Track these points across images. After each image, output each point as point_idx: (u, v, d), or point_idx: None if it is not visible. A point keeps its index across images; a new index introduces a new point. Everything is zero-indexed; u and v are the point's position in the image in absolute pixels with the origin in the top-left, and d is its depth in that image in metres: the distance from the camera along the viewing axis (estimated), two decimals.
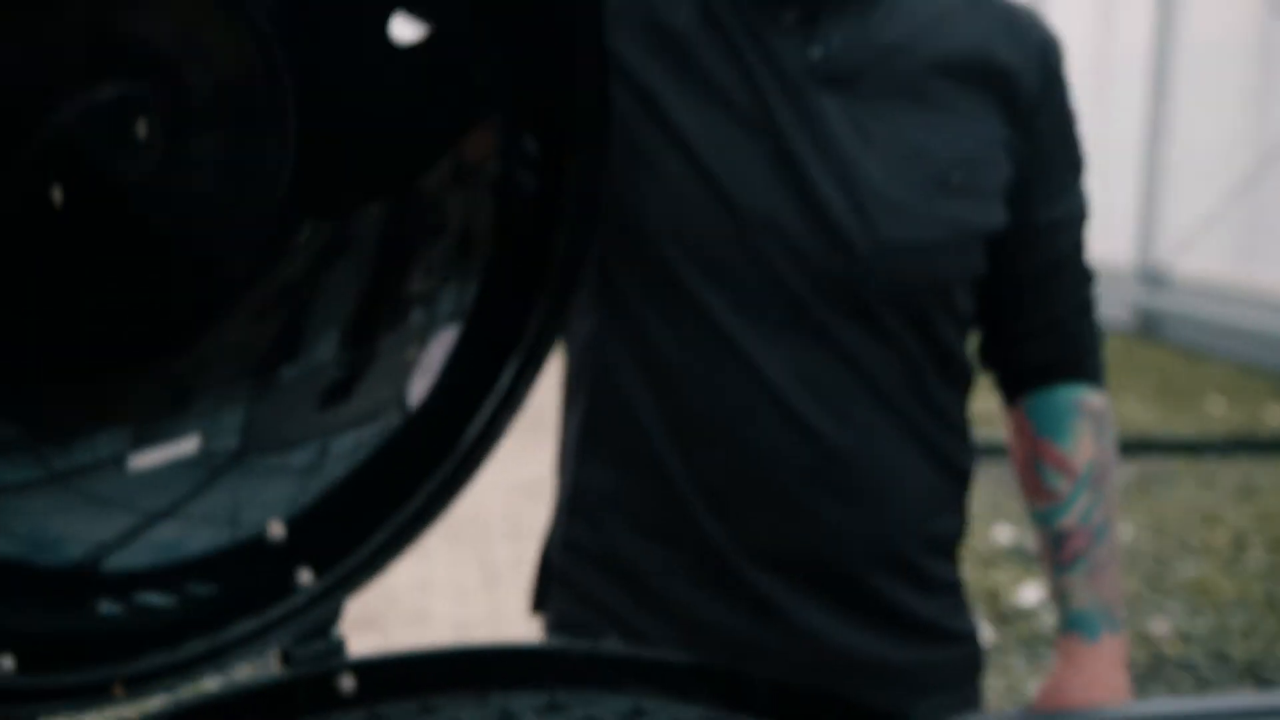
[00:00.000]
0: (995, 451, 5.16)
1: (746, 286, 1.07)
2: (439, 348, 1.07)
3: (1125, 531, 3.98)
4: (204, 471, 1.06)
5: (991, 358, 1.24)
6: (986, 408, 5.22)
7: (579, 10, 0.93)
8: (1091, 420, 1.20)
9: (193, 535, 1.05)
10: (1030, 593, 3.50)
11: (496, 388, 1.07)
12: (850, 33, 1.07)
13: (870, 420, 1.09)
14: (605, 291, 1.14)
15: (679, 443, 1.10)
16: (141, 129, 0.81)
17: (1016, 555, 3.79)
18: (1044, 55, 1.14)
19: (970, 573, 3.65)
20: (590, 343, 1.16)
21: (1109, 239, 8.02)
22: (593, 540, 1.17)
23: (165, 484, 1.04)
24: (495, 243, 1.03)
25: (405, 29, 0.91)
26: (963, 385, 1.18)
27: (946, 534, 1.19)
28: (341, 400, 1.09)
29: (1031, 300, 1.18)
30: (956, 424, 1.17)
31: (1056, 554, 1.20)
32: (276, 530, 1.04)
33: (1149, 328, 7.72)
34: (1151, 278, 7.73)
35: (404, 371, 1.07)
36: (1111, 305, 7.89)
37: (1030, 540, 3.89)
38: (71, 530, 0.99)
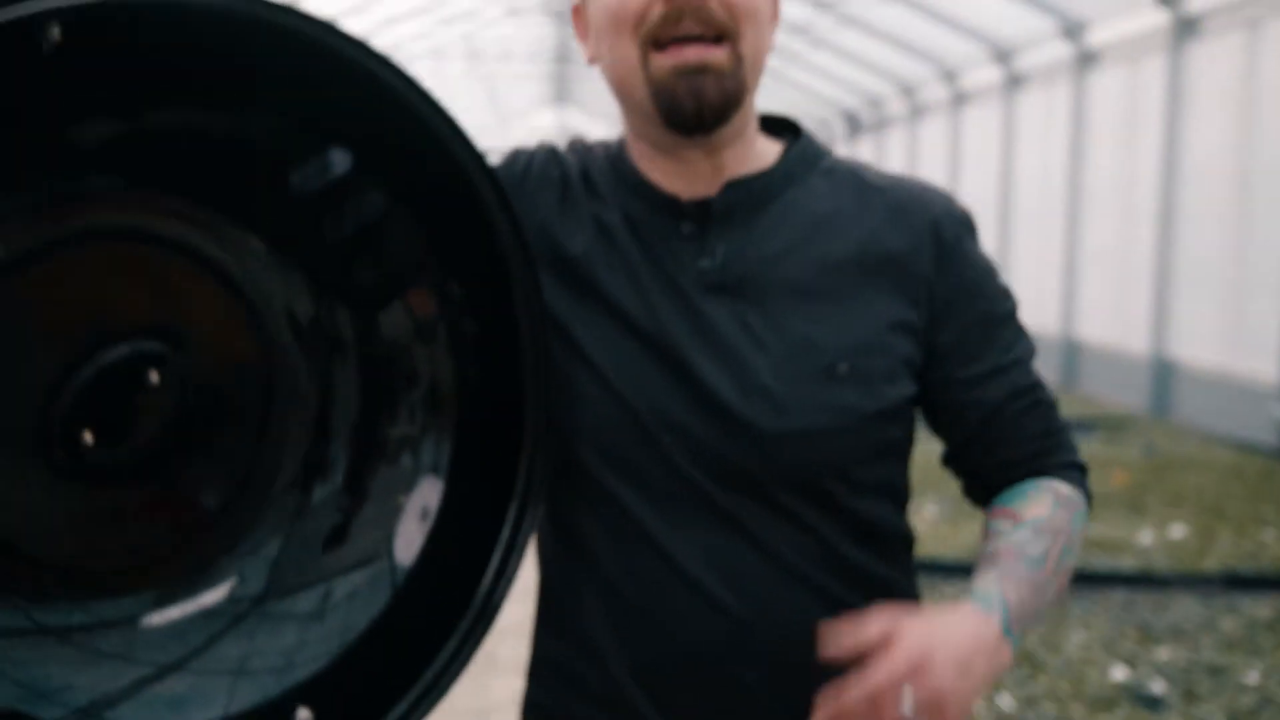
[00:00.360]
0: (1106, 582, 4.91)
1: (655, 481, 1.16)
2: (431, 498, 1.09)
3: (1252, 678, 3.74)
4: (216, 629, 1.08)
5: (964, 486, 1.29)
6: (1101, 533, 4.95)
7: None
8: (1051, 494, 1.21)
9: (207, 701, 1.06)
10: None
11: (500, 540, 1.09)
12: (736, 243, 1.17)
13: (777, 593, 1.16)
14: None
15: (609, 621, 1.19)
16: (154, 375, 0.96)
17: (1132, 696, 3.60)
18: (936, 232, 1.19)
19: (1079, 713, 3.48)
20: (541, 527, 1.26)
21: (1250, 354, 7.71)
22: (550, 704, 1.26)
23: (175, 643, 1.06)
24: (465, 396, 1.08)
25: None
26: (892, 545, 1.22)
27: None
28: (346, 551, 1.11)
29: (980, 448, 1.23)
30: (885, 581, 1.21)
31: (978, 569, 1.15)
32: (304, 716, 1.05)
33: None
34: None
35: (397, 520, 1.09)
36: (1253, 425, 7.56)
37: (1150, 682, 3.69)
38: (76, 682, 1.01)
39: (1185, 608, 4.40)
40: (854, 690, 1.00)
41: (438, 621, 1.10)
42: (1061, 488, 1.21)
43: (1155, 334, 8.65)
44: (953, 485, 1.31)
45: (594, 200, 1.20)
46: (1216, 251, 8.02)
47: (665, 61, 1.11)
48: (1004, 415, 1.21)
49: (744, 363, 1.14)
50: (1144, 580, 4.67)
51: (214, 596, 1.09)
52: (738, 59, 1.12)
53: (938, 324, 1.18)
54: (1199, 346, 8.27)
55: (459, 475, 1.10)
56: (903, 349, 1.17)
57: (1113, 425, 8.12)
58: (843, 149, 17.29)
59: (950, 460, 1.27)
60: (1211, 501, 5.87)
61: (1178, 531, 5.31)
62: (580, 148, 1.26)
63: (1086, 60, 9.84)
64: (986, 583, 1.12)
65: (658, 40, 1.11)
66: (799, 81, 16.56)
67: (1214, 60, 8.10)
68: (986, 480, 1.25)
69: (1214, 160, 8.07)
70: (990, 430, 1.22)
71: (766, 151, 1.21)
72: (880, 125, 15.54)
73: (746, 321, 1.15)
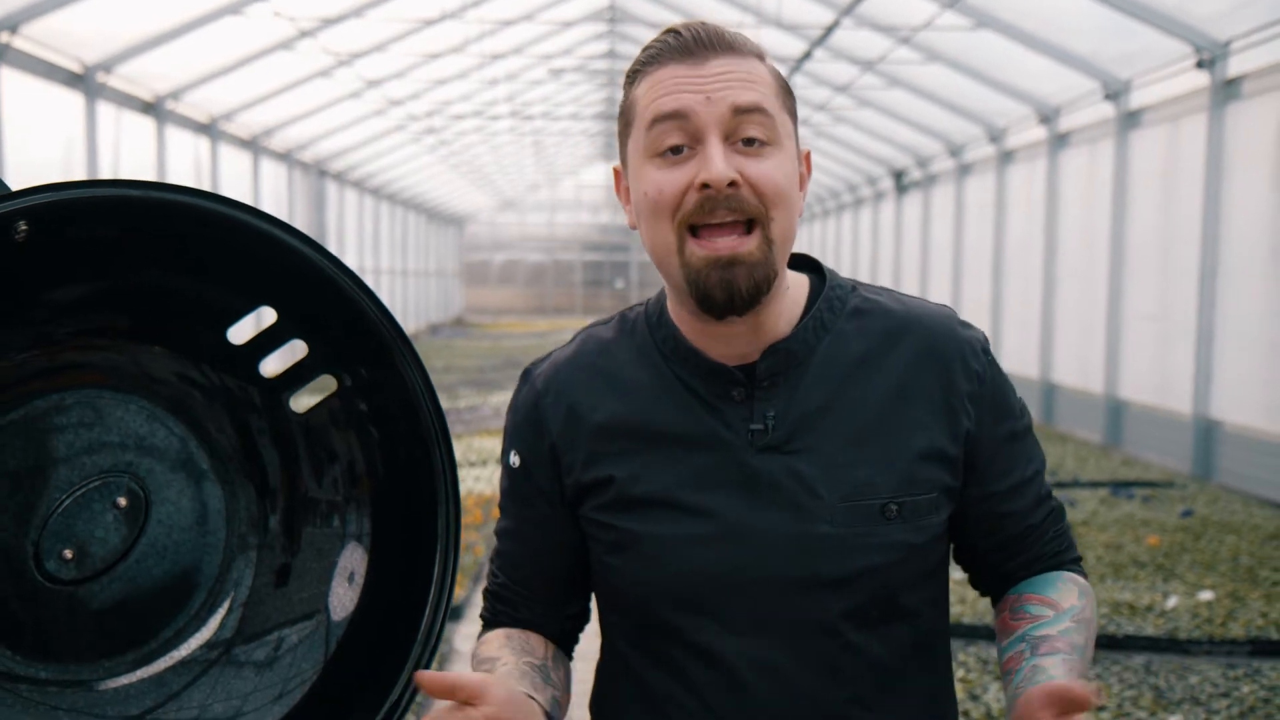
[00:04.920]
0: (1128, 645, 4.83)
1: (734, 621, 1.25)
2: (358, 563, 1.17)
3: None
4: (190, 677, 1.17)
5: (974, 578, 1.38)
6: (1128, 597, 4.90)
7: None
8: (1076, 586, 1.29)
9: None
10: None
11: (430, 590, 1.17)
12: (781, 405, 1.25)
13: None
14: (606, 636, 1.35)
15: None
16: (122, 500, 1.12)
17: None
18: (965, 364, 1.28)
19: None
20: (604, 668, 1.38)
21: None
22: None
23: (147, 695, 1.16)
24: (376, 468, 1.18)
25: None
26: (934, 652, 1.31)
27: None
28: (292, 599, 1.20)
29: (1007, 551, 1.32)
30: (928, 688, 1.29)
31: (1032, 650, 1.22)
32: None
33: None
34: None
35: (330, 578, 1.18)
36: None
37: None
38: None
39: (1205, 674, 4.37)
40: None
41: (375, 675, 1.18)
42: (1080, 579, 1.31)
43: (1199, 394, 8.57)
44: None
45: (643, 369, 1.29)
46: (1259, 311, 7.96)
47: (699, 251, 1.18)
48: (1031, 521, 1.31)
49: (802, 514, 1.22)
50: (1166, 645, 4.64)
51: (192, 645, 1.19)
52: (768, 244, 1.19)
53: (973, 447, 1.27)
54: (1243, 407, 8.19)
55: (381, 540, 1.18)
56: (943, 479, 1.25)
57: (1154, 486, 8.05)
58: (890, 206, 17.34)
59: (964, 556, 1.35)
60: (1246, 566, 5.80)
61: (1206, 596, 5.26)
62: (611, 323, 1.35)
63: (1129, 121, 9.85)
64: (1058, 673, 1.17)
65: (693, 226, 1.18)
66: (849, 140, 16.65)
67: (1253, 121, 8.09)
68: (1006, 575, 1.33)
69: (1255, 220, 8.03)
70: (1020, 536, 1.31)
71: (798, 293, 1.29)
72: (928, 183, 15.59)
73: (798, 472, 1.23)
